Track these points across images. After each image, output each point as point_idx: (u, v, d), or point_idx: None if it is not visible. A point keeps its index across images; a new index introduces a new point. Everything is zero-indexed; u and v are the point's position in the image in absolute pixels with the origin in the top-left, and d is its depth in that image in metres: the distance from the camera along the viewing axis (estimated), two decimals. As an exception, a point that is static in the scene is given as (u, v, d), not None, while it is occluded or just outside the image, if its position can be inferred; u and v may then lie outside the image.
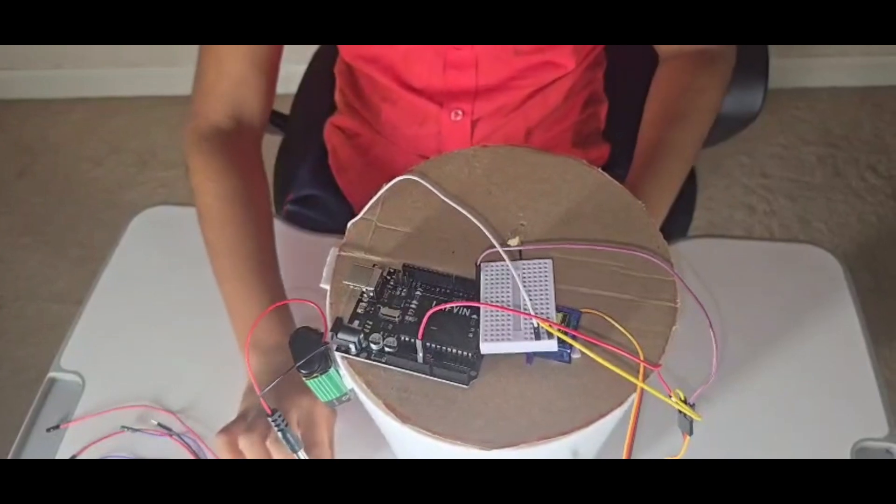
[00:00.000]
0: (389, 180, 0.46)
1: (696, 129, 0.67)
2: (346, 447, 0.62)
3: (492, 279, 0.41)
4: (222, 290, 0.63)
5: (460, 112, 0.74)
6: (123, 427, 0.64)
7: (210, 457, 0.62)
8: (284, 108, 1.03)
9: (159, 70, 1.79)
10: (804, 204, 1.61)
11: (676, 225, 0.89)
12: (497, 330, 0.39)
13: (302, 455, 0.47)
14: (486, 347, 0.39)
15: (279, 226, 0.78)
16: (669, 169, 0.64)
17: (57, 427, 0.65)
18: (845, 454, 0.61)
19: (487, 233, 0.42)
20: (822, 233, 1.57)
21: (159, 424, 0.64)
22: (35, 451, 0.64)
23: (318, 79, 1.02)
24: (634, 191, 0.62)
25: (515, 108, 0.75)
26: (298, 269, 0.68)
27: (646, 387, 0.37)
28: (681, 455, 0.40)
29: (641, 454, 0.59)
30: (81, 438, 0.64)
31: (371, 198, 0.46)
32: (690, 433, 0.40)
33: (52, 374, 0.68)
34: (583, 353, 0.38)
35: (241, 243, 0.64)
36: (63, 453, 0.63)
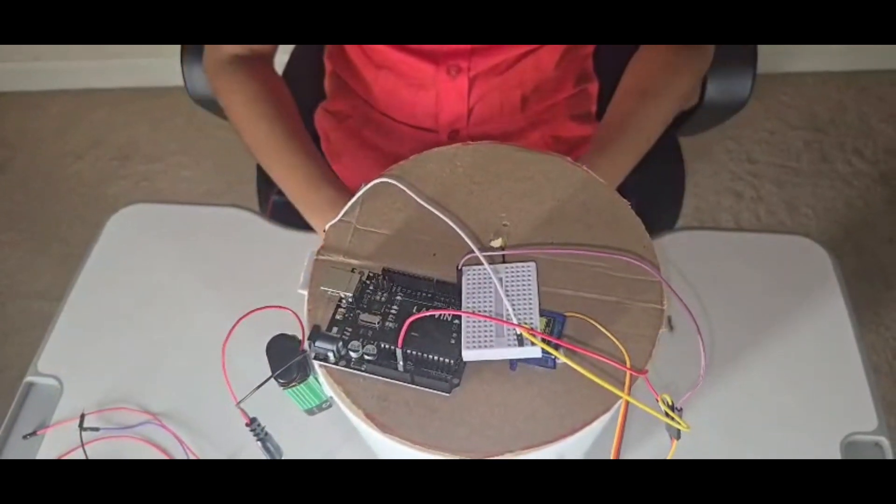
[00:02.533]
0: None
1: (664, 107, 0.69)
2: (332, 449, 0.61)
3: (474, 283, 0.40)
4: (275, 179, 0.72)
5: (458, 68, 0.74)
6: (102, 431, 0.63)
7: (191, 458, 0.61)
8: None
9: (141, 62, 1.77)
10: (791, 189, 1.61)
11: (664, 217, 0.89)
12: (479, 336, 0.38)
13: (283, 463, 0.46)
14: (467, 355, 0.38)
15: (262, 225, 0.77)
16: (633, 142, 0.67)
17: (34, 433, 0.63)
18: (835, 448, 0.60)
19: (466, 238, 0.41)
20: (808, 218, 1.57)
21: (141, 427, 0.63)
22: (12, 458, 0.63)
23: (301, 68, 1.00)
24: (595, 157, 0.64)
25: (510, 65, 0.75)
26: (282, 268, 0.67)
27: (631, 399, 0.36)
28: (669, 458, 0.39)
29: (629, 454, 0.58)
30: (60, 445, 0.62)
31: (368, 181, 0.45)
32: (678, 437, 0.39)
33: (28, 378, 0.67)
34: (568, 364, 0.37)
35: (275, 133, 0.71)
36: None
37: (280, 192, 0.88)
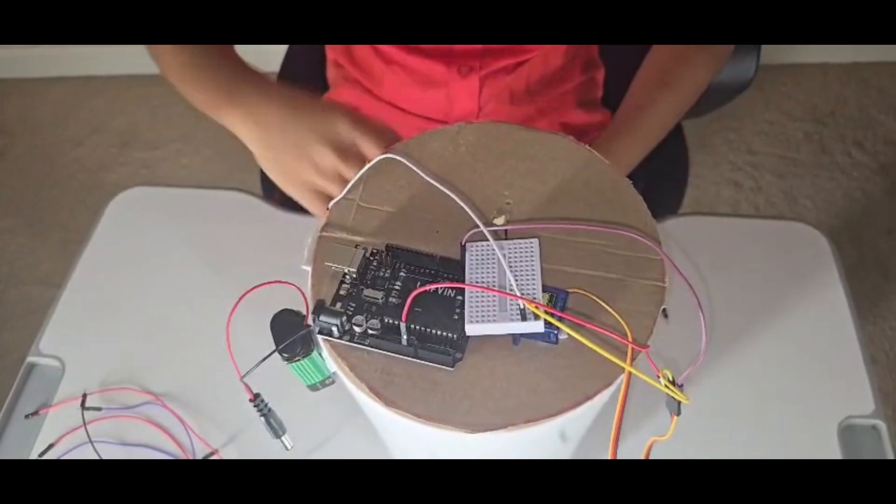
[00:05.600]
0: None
1: (681, 99, 0.70)
2: (335, 425, 0.62)
3: (477, 259, 0.40)
4: (185, 93, 0.63)
5: (469, 68, 0.73)
6: (104, 411, 0.63)
7: (193, 438, 0.62)
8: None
9: (141, 48, 1.76)
10: (790, 180, 1.61)
11: (666, 203, 0.89)
12: (482, 311, 0.38)
13: (286, 441, 0.46)
14: (471, 329, 0.38)
15: (264, 208, 0.77)
16: (648, 129, 0.68)
17: (36, 413, 0.63)
18: (832, 431, 0.61)
19: (471, 212, 0.41)
20: (808, 209, 1.57)
21: (143, 407, 0.63)
22: (14, 437, 0.63)
23: (303, 55, 1.00)
24: (610, 142, 0.65)
25: (521, 63, 0.75)
26: (284, 251, 0.67)
27: (633, 370, 0.36)
28: (668, 435, 0.40)
29: (630, 434, 0.59)
30: (62, 424, 0.63)
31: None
32: (678, 413, 0.39)
33: (30, 358, 0.67)
34: (570, 335, 0.37)
35: (199, 50, 0.63)
36: (43, 440, 0.62)
37: None
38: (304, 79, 0.94)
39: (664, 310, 0.40)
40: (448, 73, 0.74)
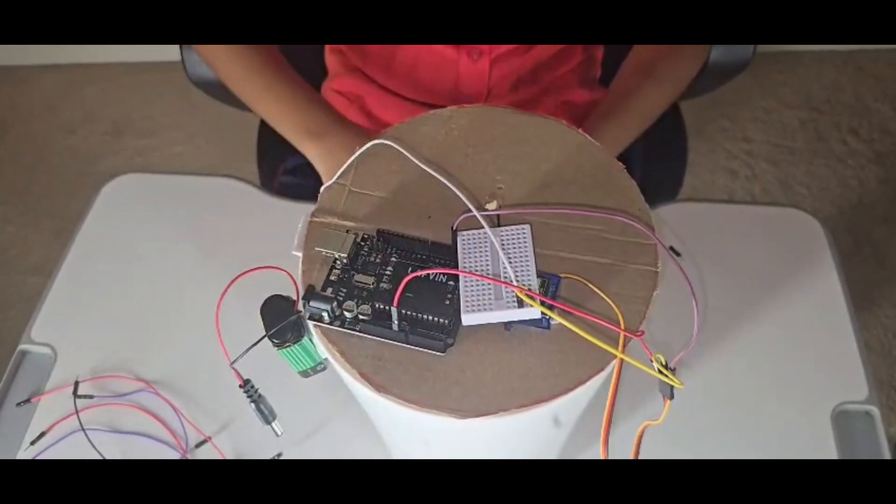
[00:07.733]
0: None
1: (668, 90, 0.71)
2: (326, 412, 0.62)
3: (469, 245, 0.40)
4: (270, 120, 0.69)
5: (480, 52, 0.73)
6: (97, 399, 0.63)
7: (186, 425, 0.62)
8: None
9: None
10: (786, 168, 1.61)
11: (665, 191, 0.89)
12: (478, 299, 0.38)
13: (276, 427, 0.46)
14: (468, 319, 0.37)
15: (256, 195, 0.76)
16: (632, 120, 0.68)
17: (28, 401, 0.63)
18: (826, 417, 0.61)
19: (464, 197, 0.40)
20: (803, 197, 1.57)
21: (135, 394, 0.63)
22: (5, 426, 0.63)
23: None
24: (595, 128, 0.65)
25: (531, 45, 0.75)
26: (276, 238, 0.66)
27: (625, 357, 0.36)
28: (661, 420, 0.40)
29: (623, 421, 0.58)
30: (54, 412, 0.62)
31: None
32: (671, 397, 0.39)
33: (22, 346, 0.67)
34: (564, 325, 0.37)
35: (264, 77, 0.70)
36: (34, 428, 0.62)
37: (290, 171, 0.88)
38: (303, 65, 0.93)
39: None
40: (457, 55, 0.73)
